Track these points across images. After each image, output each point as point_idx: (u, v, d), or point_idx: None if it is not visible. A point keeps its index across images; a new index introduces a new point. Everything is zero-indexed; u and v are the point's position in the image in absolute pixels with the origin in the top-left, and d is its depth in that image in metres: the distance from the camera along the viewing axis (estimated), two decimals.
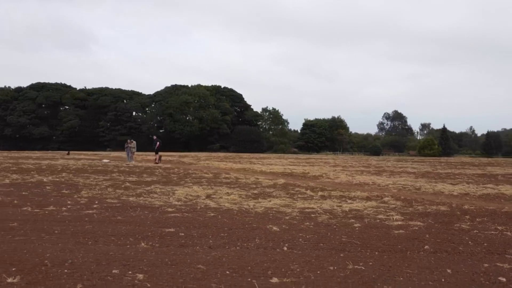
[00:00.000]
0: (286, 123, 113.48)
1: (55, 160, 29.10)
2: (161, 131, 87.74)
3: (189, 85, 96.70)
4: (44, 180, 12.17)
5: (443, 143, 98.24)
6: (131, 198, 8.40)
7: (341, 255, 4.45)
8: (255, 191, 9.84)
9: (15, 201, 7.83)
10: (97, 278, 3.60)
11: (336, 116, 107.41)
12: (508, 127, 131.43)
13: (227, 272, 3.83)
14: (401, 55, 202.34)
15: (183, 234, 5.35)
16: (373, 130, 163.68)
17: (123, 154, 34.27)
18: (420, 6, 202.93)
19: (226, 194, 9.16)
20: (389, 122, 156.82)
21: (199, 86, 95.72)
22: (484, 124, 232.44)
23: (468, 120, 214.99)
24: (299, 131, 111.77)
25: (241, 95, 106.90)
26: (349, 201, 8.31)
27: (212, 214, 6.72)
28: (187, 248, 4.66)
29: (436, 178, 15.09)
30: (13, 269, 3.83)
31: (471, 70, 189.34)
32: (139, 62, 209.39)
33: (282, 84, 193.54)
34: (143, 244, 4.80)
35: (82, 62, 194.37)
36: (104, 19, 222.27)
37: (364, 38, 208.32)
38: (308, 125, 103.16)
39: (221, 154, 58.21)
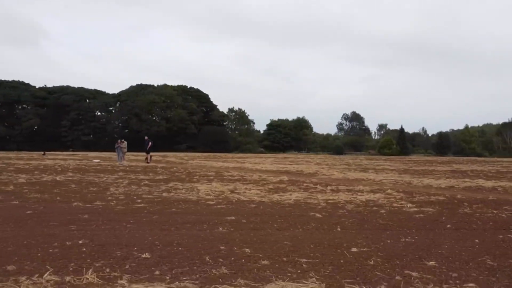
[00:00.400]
0: (252, 123, 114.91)
1: (39, 160, 28.45)
2: (126, 131, 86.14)
3: (155, 85, 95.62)
4: (58, 179, 12.44)
5: (401, 143, 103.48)
6: (164, 194, 9.08)
7: (387, 232, 5.52)
8: (270, 187, 10.79)
9: (58, 198, 8.31)
10: (214, 252, 4.43)
11: (300, 117, 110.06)
12: (455, 128, 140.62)
13: (311, 245, 4.77)
14: (357, 57, 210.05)
15: (245, 221, 6.22)
16: (332, 130, 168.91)
17: (90, 154, 33.94)
18: (374, 11, 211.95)
19: (247, 189, 10.04)
20: (347, 123, 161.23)
21: (165, 86, 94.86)
22: (435, 124, 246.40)
23: (420, 121, 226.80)
24: (261, 131, 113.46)
25: (207, 95, 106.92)
26: (359, 193, 9.47)
27: (253, 205, 7.62)
28: (260, 231, 5.54)
29: (417, 174, 16.72)
30: (135, 248, 4.58)
31: (421, 73, 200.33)
32: (94, 59, 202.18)
33: (242, 84, 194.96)
34: (220, 228, 5.64)
35: (33, 58, 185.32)
36: (55, 14, 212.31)
37: (322, 40, 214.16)
38: (274, 125, 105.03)
39: (198, 154, 58.44)
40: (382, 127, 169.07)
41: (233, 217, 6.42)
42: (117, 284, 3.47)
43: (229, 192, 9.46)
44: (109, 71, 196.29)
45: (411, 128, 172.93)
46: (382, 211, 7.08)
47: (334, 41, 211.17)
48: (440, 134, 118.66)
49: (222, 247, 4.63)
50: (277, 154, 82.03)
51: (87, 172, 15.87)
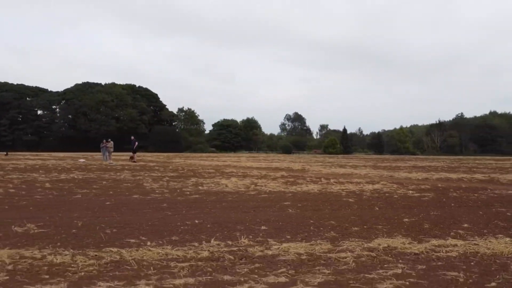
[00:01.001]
0: (202, 123, 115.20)
1: (13, 160, 27.33)
2: (72, 130, 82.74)
3: (102, 83, 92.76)
4: (76, 177, 12.97)
5: (344, 142, 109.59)
6: (200, 187, 10.26)
7: (415, 210, 7.31)
8: (282, 180, 12.33)
9: (110, 192, 9.20)
10: (310, 223, 5.89)
11: (250, 117, 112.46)
12: (386, 128, 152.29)
13: (372, 218, 6.40)
14: (296, 59, 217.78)
15: (300, 205, 7.70)
16: (274, 130, 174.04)
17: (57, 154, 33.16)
18: (313, 14, 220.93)
19: (265, 183, 11.49)
20: (290, 123, 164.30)
21: (113, 84, 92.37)
22: (368, 125, 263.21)
23: (355, 121, 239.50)
24: (207, 131, 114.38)
25: (156, 94, 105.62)
26: (362, 184, 11.33)
27: (290, 195, 9.12)
28: (320, 211, 7.06)
29: (388, 169, 19.15)
30: (247, 224, 5.90)
31: (356, 76, 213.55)
32: (23, 55, 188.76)
33: (180, 83, 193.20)
34: (290, 210, 7.09)
35: None
36: None
37: (262, 41, 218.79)
38: (224, 125, 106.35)
39: (166, 154, 58.11)
40: (323, 127, 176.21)
41: (288, 202, 7.89)
42: (269, 244, 4.82)
43: (253, 185, 10.85)
44: (40, 67, 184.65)
45: (348, 128, 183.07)
46: (395, 196, 8.94)
47: (274, 42, 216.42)
48: (377, 134, 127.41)
49: (311, 221, 6.10)
50: (229, 153, 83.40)
51: (92, 172, 16.27)
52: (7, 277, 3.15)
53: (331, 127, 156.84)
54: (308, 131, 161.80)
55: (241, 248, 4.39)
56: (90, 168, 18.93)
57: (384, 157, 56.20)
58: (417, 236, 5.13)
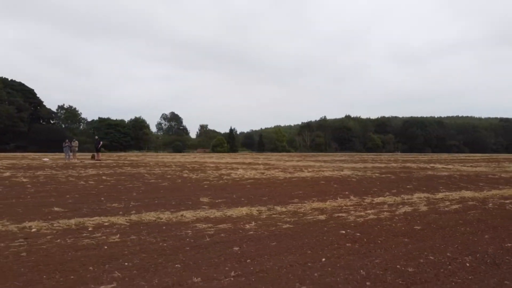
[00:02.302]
0: (84, 122, 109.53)
1: None
2: None
3: None
4: (105, 173, 15.76)
5: (231, 142, 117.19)
6: (226, 177, 14.74)
7: (399, 184, 13.47)
8: (281, 169, 17.42)
9: (152, 180, 13.18)
10: (357, 191, 11.44)
11: (138, 116, 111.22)
12: (254, 129, 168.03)
13: (384, 188, 12.29)
14: (158, 56, 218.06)
15: (347, 192, 13.15)
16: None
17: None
18: (178, 13, 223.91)
19: (271, 173, 16.47)
20: (166, 122, 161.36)
21: None
22: (234, 125, 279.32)
23: (228, 121, 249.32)
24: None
25: (33, 90, 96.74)
26: (336, 172, 17.22)
27: (309, 178, 14.44)
28: (378, 194, 12.64)
29: (326, 162, 25.69)
30: (306, 194, 11.13)
31: (219, 76, 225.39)
32: None
33: (26, 74, 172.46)
34: (351, 197, 12.50)
35: None
36: None
37: (122, 35, 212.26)
38: (112, 124, 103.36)
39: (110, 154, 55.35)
40: (203, 127, 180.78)
41: (323, 182, 13.25)
42: (365, 199, 10.20)
43: (264, 175, 15.71)
44: None
45: (220, 128, 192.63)
46: (373, 177, 15.05)
47: (135, 37, 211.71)
48: (251, 133, 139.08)
49: (346, 192, 11.62)
50: (124, 153, 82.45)
51: (95, 168, 18.56)
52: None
53: (192, 126, 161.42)
54: (185, 130, 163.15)
55: (270, 208, 9.72)
56: (87, 164, 20.81)
57: (290, 154, 64.50)
58: (430, 192, 11.12)
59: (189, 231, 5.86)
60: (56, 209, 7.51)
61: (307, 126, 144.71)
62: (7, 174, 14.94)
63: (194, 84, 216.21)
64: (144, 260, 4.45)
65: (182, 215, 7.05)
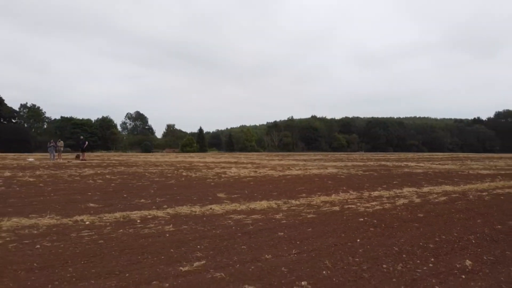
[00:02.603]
0: (47, 120, 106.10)
1: None
2: None
3: None
4: (98, 172, 16.07)
5: (200, 141, 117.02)
6: (222, 175, 15.54)
7: (384, 180, 14.73)
8: (269, 168, 18.31)
9: (170, 181, 13.85)
10: (367, 183, 12.56)
11: (105, 116, 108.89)
12: (220, 128, 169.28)
13: (381, 181, 13.47)
14: (122, 54, 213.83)
15: (345, 187, 14.20)
16: None
17: None
18: (142, 10, 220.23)
19: (263, 171, 17.34)
20: (131, 122, 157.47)
21: None
22: (196, 124, 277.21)
23: (193, 120, 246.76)
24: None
25: None
26: (322, 170, 18.34)
27: (317, 179, 15.45)
28: (372, 189, 13.74)
29: (306, 161, 26.82)
30: (332, 185, 12.17)
31: (183, 75, 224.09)
32: None
33: None
34: (350, 191, 13.56)
35: None
36: None
37: (82, 32, 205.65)
38: (78, 124, 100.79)
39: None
40: (170, 126, 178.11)
41: (317, 179, 14.27)
42: (363, 193, 11.29)
43: (258, 173, 16.57)
44: None
45: (187, 128, 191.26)
46: (359, 174, 16.24)
47: (96, 34, 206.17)
48: (226, 133, 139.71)
49: (344, 188, 12.74)
50: (98, 153, 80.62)
51: (100, 167, 18.71)
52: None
53: (156, 125, 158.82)
54: (150, 130, 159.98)
55: (285, 201, 10.80)
56: (93, 164, 20.77)
57: (268, 154, 65.44)
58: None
59: (230, 221, 6.62)
60: (91, 205, 8.01)
61: (274, 126, 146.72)
62: (8, 174, 14.94)
63: (158, 83, 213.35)
64: (211, 244, 5.19)
65: (211, 209, 7.77)
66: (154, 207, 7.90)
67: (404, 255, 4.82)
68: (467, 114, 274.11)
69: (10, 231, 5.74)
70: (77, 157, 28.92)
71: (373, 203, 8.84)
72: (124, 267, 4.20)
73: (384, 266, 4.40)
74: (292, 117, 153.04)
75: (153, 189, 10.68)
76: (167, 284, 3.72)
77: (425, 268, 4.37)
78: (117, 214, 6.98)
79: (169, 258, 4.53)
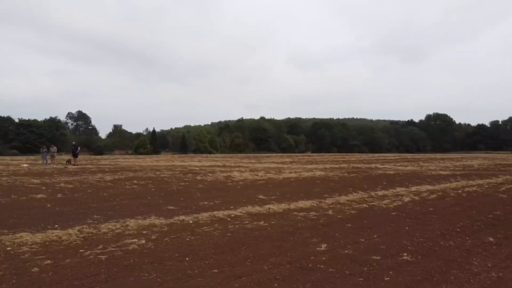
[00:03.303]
0: None
1: None
2: None
3: None
4: (107, 178, 17.08)
5: (154, 143, 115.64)
6: (229, 178, 17.32)
7: (372, 180, 17.26)
8: (262, 172, 20.22)
9: (198, 185, 15.49)
10: (379, 183, 14.93)
11: (53, 116, 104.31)
12: (163, 128, 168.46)
13: (380, 181, 15.93)
14: (49, 48, 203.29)
15: (351, 188, 16.42)
16: None
17: None
18: (70, 4, 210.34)
19: (262, 175, 19.25)
20: (73, 122, 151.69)
21: None
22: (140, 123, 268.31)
23: (136, 119, 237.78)
24: None
25: None
26: (314, 171, 20.60)
27: (319, 181, 17.60)
28: (372, 189, 16.04)
29: (286, 163, 29.00)
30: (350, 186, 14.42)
31: (118, 73, 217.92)
32: None
33: None
34: (359, 191, 15.82)
35: None
36: None
37: (4, 23, 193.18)
38: (25, 125, 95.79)
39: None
40: (116, 127, 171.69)
41: (318, 181, 16.46)
42: (369, 193, 13.62)
43: (259, 176, 18.43)
44: None
45: (130, 128, 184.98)
46: (348, 177, 18.69)
47: (21, 26, 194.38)
48: (179, 134, 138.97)
49: (350, 188, 15.07)
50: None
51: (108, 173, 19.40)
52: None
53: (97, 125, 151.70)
54: (94, 130, 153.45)
55: (320, 201, 13.17)
56: (97, 169, 21.20)
57: (222, 155, 66.70)
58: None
59: (299, 217, 8.51)
60: (170, 207, 9.49)
61: (226, 127, 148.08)
62: (37, 180, 15.51)
63: (93, 81, 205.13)
64: (317, 231, 7.06)
65: (269, 208, 9.60)
66: (223, 207, 9.56)
67: (447, 236, 7.03)
68: (400, 116, 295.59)
69: (144, 228, 7.21)
70: (68, 162, 28.80)
71: (386, 201, 11.12)
72: (275, 249, 5.97)
73: (441, 242, 6.56)
74: (242, 118, 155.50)
75: (199, 193, 12.21)
76: (310, 264, 5.57)
77: (469, 241, 6.60)
78: (206, 214, 8.59)
79: (293, 244, 6.34)
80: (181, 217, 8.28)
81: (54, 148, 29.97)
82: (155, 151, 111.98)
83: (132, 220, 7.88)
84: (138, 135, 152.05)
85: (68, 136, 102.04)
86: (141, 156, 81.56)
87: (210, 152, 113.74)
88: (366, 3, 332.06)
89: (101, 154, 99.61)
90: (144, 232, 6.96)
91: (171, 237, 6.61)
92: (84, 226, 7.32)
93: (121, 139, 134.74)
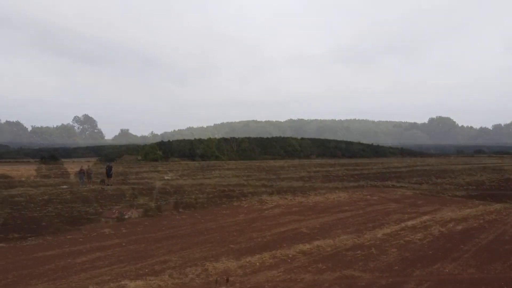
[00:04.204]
0: None
1: None
2: None
3: None
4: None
5: (166, 149, 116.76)
6: (293, 200, 21.83)
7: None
8: (300, 196, 24.70)
9: (316, 207, 20.05)
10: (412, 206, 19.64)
11: (66, 124, 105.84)
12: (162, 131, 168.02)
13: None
14: (53, 50, 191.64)
15: (409, 209, 21.08)
16: None
17: None
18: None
19: (295, 199, 23.74)
20: (79, 126, 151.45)
21: None
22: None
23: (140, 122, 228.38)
24: None
25: None
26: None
27: (344, 201, 22.28)
28: (419, 205, 20.64)
29: (336, 178, 33.36)
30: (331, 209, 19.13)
31: (117, 75, 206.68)
32: None
33: None
34: (420, 209, 20.52)
35: None
36: None
37: None
38: (37, 132, 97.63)
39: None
40: (123, 131, 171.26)
41: (347, 206, 21.15)
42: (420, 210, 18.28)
43: (301, 201, 22.62)
44: None
45: (137, 131, 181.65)
46: (375, 199, 23.42)
47: (21, 26, 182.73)
48: (189, 139, 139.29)
49: (409, 210, 19.76)
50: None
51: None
52: None
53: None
54: (100, 134, 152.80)
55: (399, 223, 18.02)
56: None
57: (235, 164, 67.67)
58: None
59: (436, 231, 13.22)
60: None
61: (232, 131, 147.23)
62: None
63: (94, 83, 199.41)
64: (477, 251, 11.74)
65: (404, 226, 14.24)
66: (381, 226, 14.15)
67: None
68: (402, 117, 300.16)
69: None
70: (103, 182, 29.41)
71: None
72: None
73: None
74: (246, 120, 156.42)
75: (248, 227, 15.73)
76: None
77: None
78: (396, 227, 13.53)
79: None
80: (380, 231, 12.88)
81: (89, 169, 30.60)
82: (166, 158, 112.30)
83: None
84: (143, 137, 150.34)
85: (79, 143, 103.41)
86: (152, 162, 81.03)
87: (218, 157, 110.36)
88: (371, 3, 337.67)
89: (112, 160, 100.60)
90: None
91: None
92: None
93: (129, 145, 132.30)
